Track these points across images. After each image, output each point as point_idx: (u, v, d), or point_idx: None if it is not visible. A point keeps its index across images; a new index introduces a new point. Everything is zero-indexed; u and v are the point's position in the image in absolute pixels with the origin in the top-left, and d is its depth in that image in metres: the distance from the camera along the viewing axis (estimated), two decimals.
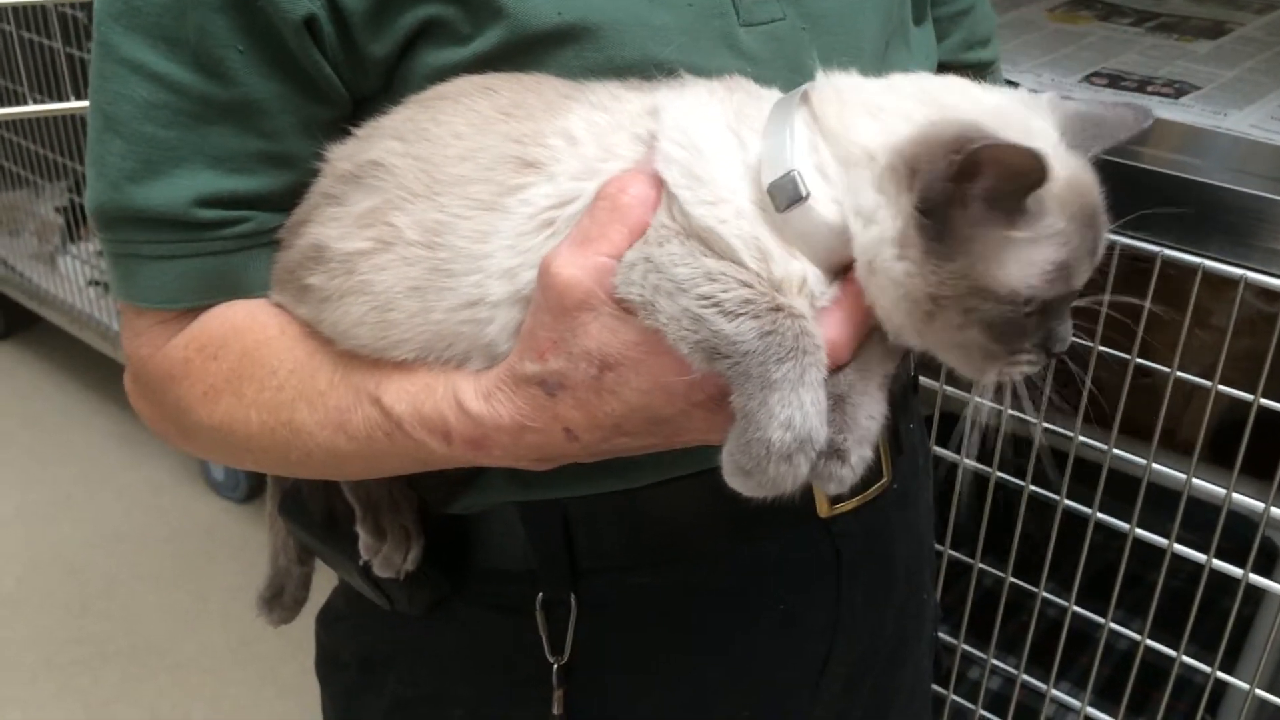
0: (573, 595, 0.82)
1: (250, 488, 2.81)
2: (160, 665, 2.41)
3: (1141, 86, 1.41)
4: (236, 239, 0.74)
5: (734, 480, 0.62)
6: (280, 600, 0.96)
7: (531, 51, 0.71)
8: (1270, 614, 1.31)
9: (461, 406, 0.68)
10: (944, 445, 1.39)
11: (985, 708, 1.53)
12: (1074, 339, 0.65)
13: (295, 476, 0.86)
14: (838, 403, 0.64)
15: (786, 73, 0.72)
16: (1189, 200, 1.19)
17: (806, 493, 0.67)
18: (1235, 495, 1.21)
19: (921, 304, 0.61)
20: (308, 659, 1.00)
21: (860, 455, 0.64)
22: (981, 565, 1.44)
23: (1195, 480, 1.23)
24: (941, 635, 1.51)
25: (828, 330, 0.62)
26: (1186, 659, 1.31)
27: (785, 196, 0.61)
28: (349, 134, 0.73)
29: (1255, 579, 1.24)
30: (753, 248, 0.62)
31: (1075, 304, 0.65)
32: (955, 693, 1.54)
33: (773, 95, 0.68)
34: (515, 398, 0.67)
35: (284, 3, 0.67)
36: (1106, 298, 0.67)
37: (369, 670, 0.92)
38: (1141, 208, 1.21)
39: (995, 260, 0.59)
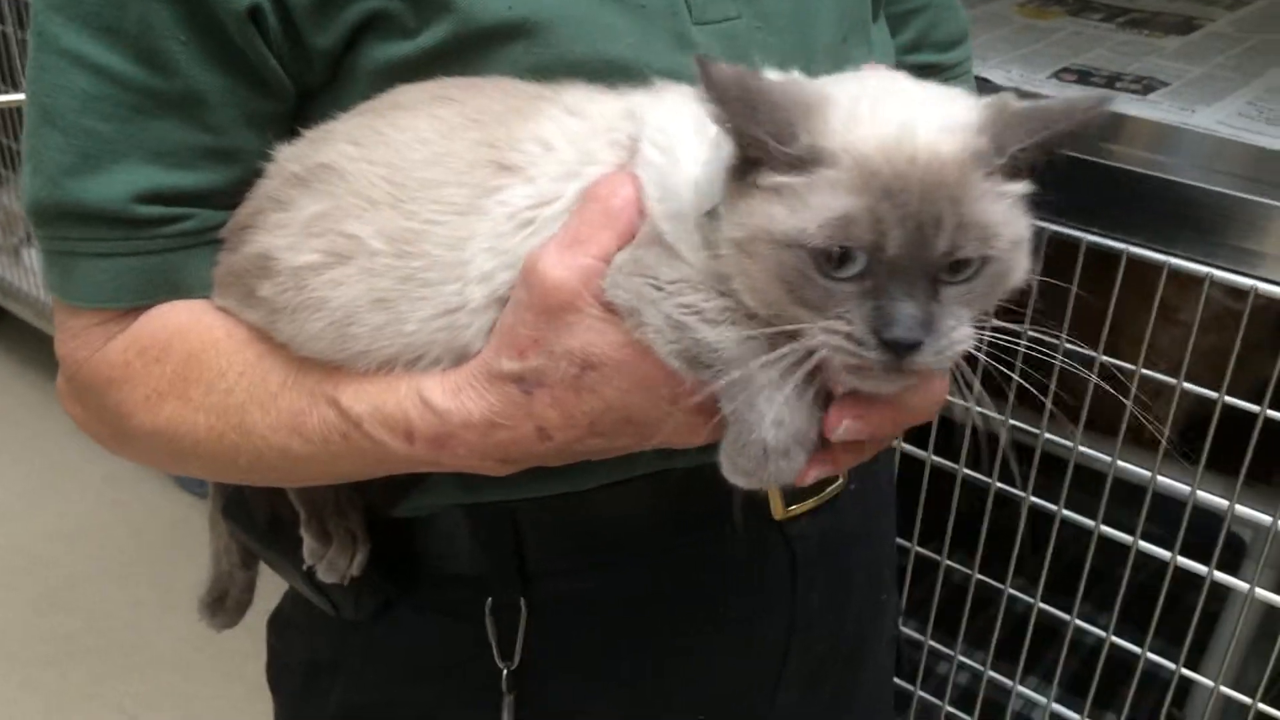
0: (523, 599, 0.81)
1: None
2: (127, 662, 2.39)
3: (1110, 82, 1.41)
4: (178, 237, 0.72)
5: (736, 480, 0.63)
6: (223, 604, 0.95)
7: (480, 47, 0.69)
8: (1235, 610, 1.31)
9: (427, 403, 0.67)
10: (909, 442, 1.40)
11: (952, 703, 1.54)
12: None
13: (242, 483, 0.84)
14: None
15: None
16: (1156, 197, 1.19)
17: (761, 495, 0.66)
18: (1200, 492, 1.21)
19: (736, 261, 0.60)
20: None
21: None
22: (949, 562, 1.44)
23: (1160, 477, 1.23)
24: (908, 631, 1.51)
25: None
26: (1152, 655, 1.31)
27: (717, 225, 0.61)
28: (296, 133, 0.72)
29: (1220, 576, 1.24)
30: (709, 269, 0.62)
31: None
32: (922, 688, 1.54)
33: None
34: (488, 394, 0.66)
35: None
36: (1035, 278, 0.64)
37: (317, 676, 0.91)
38: (1108, 204, 1.21)
39: (774, 202, 0.58)
